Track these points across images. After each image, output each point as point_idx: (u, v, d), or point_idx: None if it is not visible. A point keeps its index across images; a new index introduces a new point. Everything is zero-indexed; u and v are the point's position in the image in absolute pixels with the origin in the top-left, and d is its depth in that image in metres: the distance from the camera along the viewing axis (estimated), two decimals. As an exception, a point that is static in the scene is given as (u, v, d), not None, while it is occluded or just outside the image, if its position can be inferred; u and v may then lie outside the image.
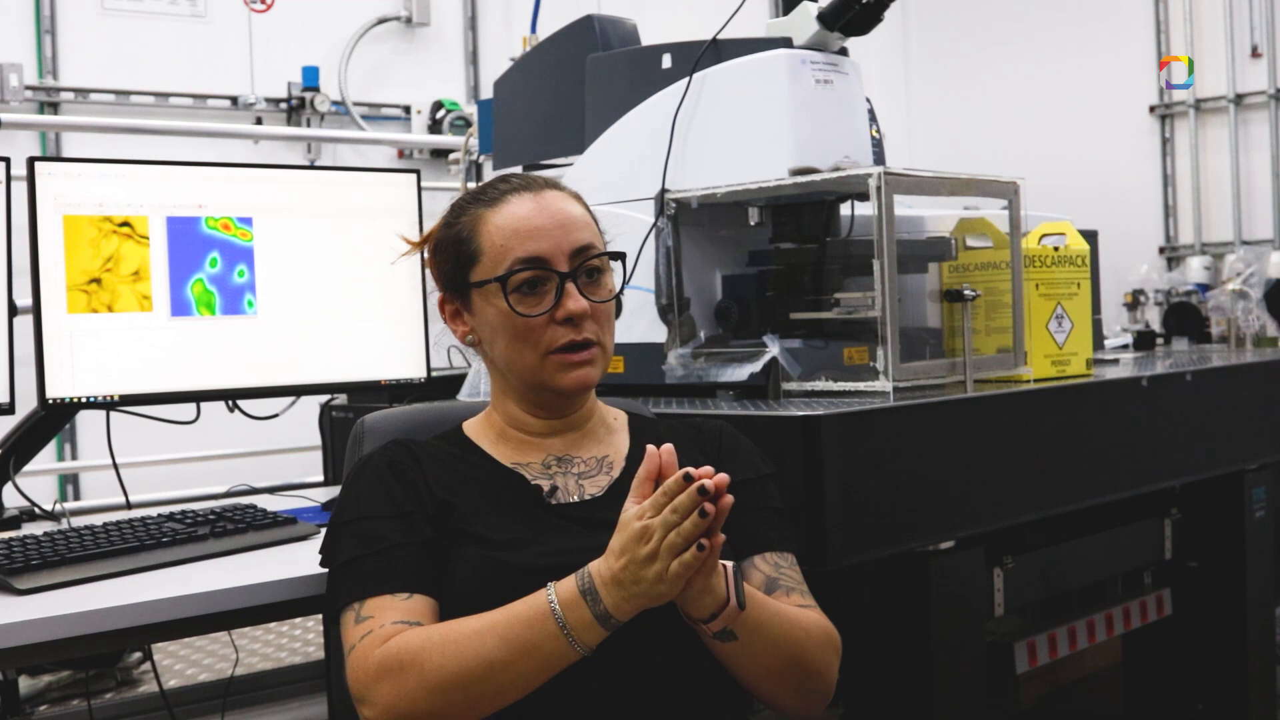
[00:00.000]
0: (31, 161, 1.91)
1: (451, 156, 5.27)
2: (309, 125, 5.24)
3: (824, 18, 2.12)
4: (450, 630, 1.28)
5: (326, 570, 1.41)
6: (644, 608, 1.23)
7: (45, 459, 4.15)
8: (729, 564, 1.29)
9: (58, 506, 2.04)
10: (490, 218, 1.46)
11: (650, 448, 1.25)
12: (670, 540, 1.19)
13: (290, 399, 2.22)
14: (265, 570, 1.59)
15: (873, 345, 1.90)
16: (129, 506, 2.09)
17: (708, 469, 1.21)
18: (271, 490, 2.42)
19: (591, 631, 1.23)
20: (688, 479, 1.20)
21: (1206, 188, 5.88)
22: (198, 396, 2.06)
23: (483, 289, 1.46)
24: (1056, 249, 2.16)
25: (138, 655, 3.32)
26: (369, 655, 1.28)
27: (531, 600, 1.26)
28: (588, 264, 1.46)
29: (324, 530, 1.47)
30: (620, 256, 1.51)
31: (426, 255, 1.56)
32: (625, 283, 1.51)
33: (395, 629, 1.29)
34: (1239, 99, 5.74)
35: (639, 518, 1.21)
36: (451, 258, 1.49)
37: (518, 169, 2.53)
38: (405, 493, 1.41)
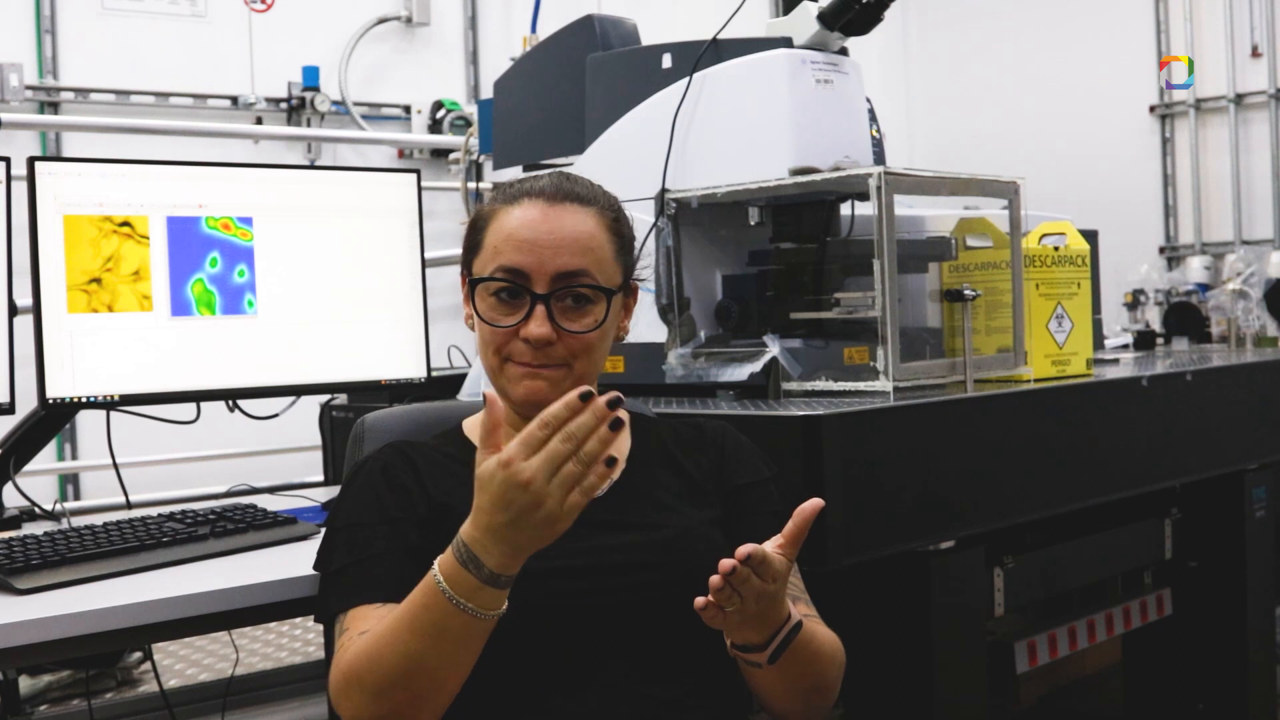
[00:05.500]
0: (31, 161, 1.91)
1: (451, 156, 5.27)
2: (309, 125, 5.24)
3: (824, 18, 2.12)
4: (375, 634, 1.26)
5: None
6: (534, 551, 1.16)
7: (45, 459, 4.15)
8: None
9: (58, 506, 2.04)
10: (500, 215, 1.44)
11: (489, 394, 1.19)
12: (567, 471, 1.11)
13: (290, 399, 2.22)
14: (265, 570, 1.59)
15: (873, 345, 1.90)
16: (129, 506, 2.09)
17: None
18: (271, 490, 2.41)
19: (486, 595, 1.17)
20: (584, 398, 1.11)
21: (1206, 188, 5.89)
22: (198, 396, 2.06)
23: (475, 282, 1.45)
24: (1056, 249, 2.16)
25: (138, 655, 3.32)
26: (336, 670, 1.29)
27: (424, 584, 1.21)
28: (574, 290, 1.40)
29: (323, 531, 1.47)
30: (606, 293, 1.41)
31: None
32: (602, 322, 1.41)
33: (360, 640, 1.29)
34: (1239, 99, 5.74)
35: (504, 466, 1.12)
36: (467, 239, 1.48)
37: (518, 169, 2.53)
38: (396, 498, 1.40)
